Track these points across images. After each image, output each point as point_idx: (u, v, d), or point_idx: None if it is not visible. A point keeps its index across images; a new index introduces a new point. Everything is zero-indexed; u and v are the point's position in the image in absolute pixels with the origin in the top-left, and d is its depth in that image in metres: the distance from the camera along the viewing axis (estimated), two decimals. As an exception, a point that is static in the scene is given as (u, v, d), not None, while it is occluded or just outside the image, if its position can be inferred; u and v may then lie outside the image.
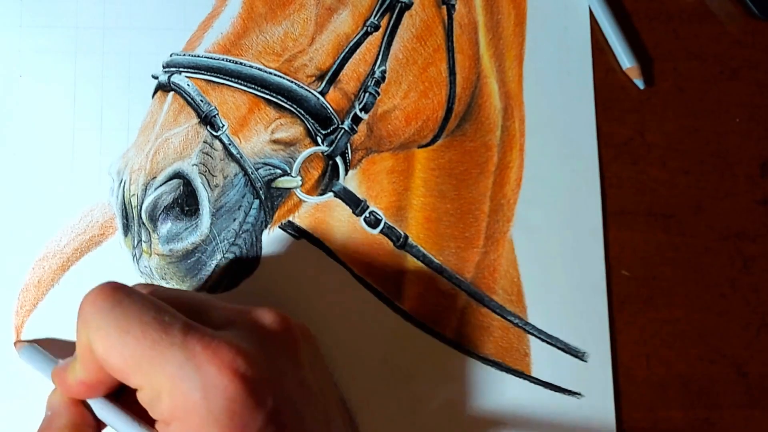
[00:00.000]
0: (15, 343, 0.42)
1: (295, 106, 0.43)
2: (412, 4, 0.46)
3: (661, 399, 0.44)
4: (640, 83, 0.47)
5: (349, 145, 0.44)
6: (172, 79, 0.43)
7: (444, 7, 0.46)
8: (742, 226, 0.47)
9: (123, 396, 0.35)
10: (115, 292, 0.32)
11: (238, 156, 0.43)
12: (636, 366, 0.44)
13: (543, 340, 0.44)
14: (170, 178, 0.42)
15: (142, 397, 0.31)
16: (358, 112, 0.44)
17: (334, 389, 0.40)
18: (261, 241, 0.43)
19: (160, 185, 0.42)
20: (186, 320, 0.31)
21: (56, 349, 0.41)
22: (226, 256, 0.42)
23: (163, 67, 0.44)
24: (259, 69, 0.44)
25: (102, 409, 0.35)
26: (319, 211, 0.44)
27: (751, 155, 0.47)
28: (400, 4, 0.46)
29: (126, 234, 0.43)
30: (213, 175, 0.42)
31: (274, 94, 0.43)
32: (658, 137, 0.47)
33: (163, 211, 0.42)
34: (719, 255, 0.46)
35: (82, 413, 0.34)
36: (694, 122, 0.48)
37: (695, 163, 0.47)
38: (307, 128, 0.44)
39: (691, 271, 0.46)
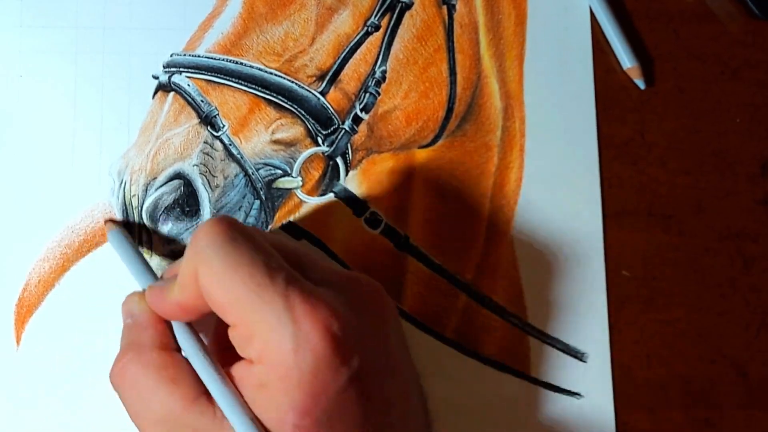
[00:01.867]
0: (105, 222, 0.42)
1: (295, 107, 0.44)
2: (412, 4, 0.46)
3: (661, 399, 0.44)
4: (640, 83, 0.47)
5: (349, 145, 0.44)
6: (172, 79, 0.43)
7: (444, 7, 0.46)
8: (742, 226, 0.47)
9: (210, 324, 0.35)
10: (231, 228, 0.32)
11: (238, 156, 0.43)
12: (636, 366, 0.44)
13: (543, 341, 0.44)
14: (171, 179, 0.42)
15: (234, 335, 0.32)
16: (359, 113, 0.44)
17: (413, 367, 0.40)
18: (261, 241, 0.43)
19: (161, 186, 0.42)
20: (290, 270, 0.32)
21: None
22: (226, 256, 0.42)
23: (164, 67, 0.44)
24: (260, 69, 0.44)
25: (183, 336, 0.35)
26: (319, 212, 0.45)
27: (751, 155, 0.47)
28: (400, 4, 0.46)
29: (126, 234, 0.43)
30: (213, 176, 0.42)
31: (275, 95, 0.43)
32: (659, 137, 0.47)
33: (163, 211, 0.42)
34: (719, 255, 0.46)
35: (165, 331, 0.35)
36: (695, 122, 0.47)
37: (695, 163, 0.47)
38: (308, 128, 0.44)
39: (691, 271, 0.46)
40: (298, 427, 0.30)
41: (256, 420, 0.31)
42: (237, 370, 0.33)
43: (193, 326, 0.35)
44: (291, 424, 0.30)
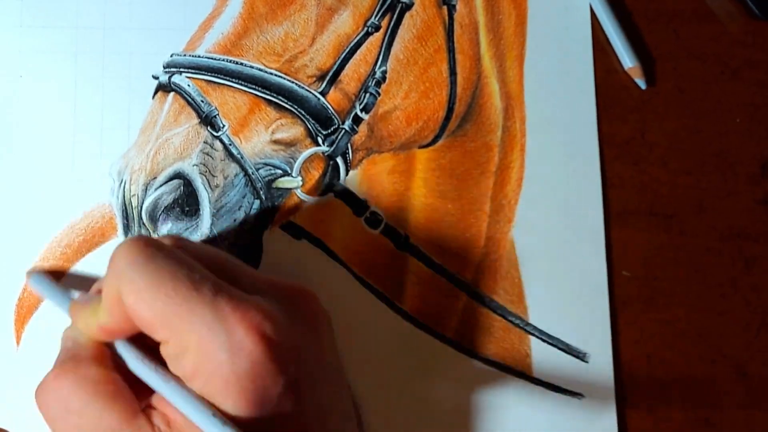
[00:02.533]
0: (27, 273, 0.42)
1: (295, 107, 0.43)
2: (412, 4, 0.46)
3: (661, 399, 0.44)
4: (641, 83, 0.47)
5: (349, 145, 0.44)
6: (172, 79, 0.43)
7: (445, 7, 0.46)
8: (743, 226, 0.46)
9: (140, 342, 0.34)
10: (148, 246, 0.32)
11: (238, 156, 0.43)
12: (636, 366, 0.44)
13: (544, 341, 0.44)
14: (171, 179, 0.42)
15: (166, 352, 0.31)
16: (359, 113, 0.44)
17: (344, 377, 0.40)
18: (261, 241, 0.43)
19: (161, 185, 0.42)
20: (216, 280, 0.32)
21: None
22: (226, 256, 0.42)
23: (164, 68, 0.44)
24: (260, 69, 0.44)
25: (125, 347, 0.34)
26: (319, 212, 0.44)
27: (752, 155, 0.47)
28: (400, 5, 0.46)
29: (126, 234, 0.43)
30: (213, 176, 0.42)
31: (275, 95, 0.43)
32: (659, 137, 0.47)
33: (163, 211, 0.42)
34: (720, 255, 0.46)
35: (104, 350, 0.34)
36: (695, 122, 0.47)
37: (696, 163, 0.47)
38: (308, 128, 0.44)
39: (692, 271, 0.46)
40: None
41: (220, 413, 0.30)
42: None
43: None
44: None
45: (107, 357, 0.33)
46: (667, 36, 0.48)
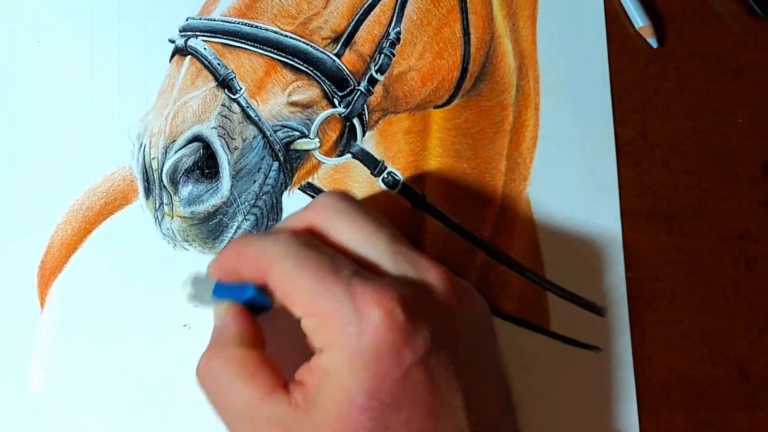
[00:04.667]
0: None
1: (311, 69, 0.44)
2: (425, -35, 0.46)
3: (662, 401, 0.44)
4: (653, 42, 0.48)
5: (365, 106, 0.45)
6: (188, 43, 0.44)
7: (457, -33, 0.47)
8: (744, 227, 0.46)
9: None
10: (302, 235, 0.35)
11: (256, 119, 0.43)
12: (638, 368, 0.44)
13: (561, 296, 0.45)
14: (190, 141, 0.42)
15: (306, 325, 0.34)
16: (374, 74, 0.45)
17: (503, 371, 0.40)
18: (281, 202, 0.44)
19: (180, 148, 0.42)
20: (356, 267, 0.34)
21: None
22: (247, 217, 0.43)
23: (180, 32, 0.44)
24: (275, 32, 0.44)
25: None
26: (337, 173, 0.45)
27: (753, 156, 0.47)
28: (413, -35, 0.46)
29: (147, 197, 0.43)
30: (232, 138, 0.43)
31: (290, 57, 0.44)
32: (660, 138, 0.47)
33: (183, 173, 0.42)
34: (722, 256, 0.46)
35: (249, 329, 0.36)
36: (697, 123, 0.47)
37: (697, 163, 0.47)
38: (324, 90, 0.44)
39: (693, 272, 0.46)
40: (365, 408, 0.31)
41: None
42: (312, 361, 0.34)
43: None
44: (359, 405, 0.31)
45: (248, 336, 0.35)
46: (669, 36, 0.48)
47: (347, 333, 0.32)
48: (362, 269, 0.34)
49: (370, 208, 0.37)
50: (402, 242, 0.36)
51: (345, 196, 0.37)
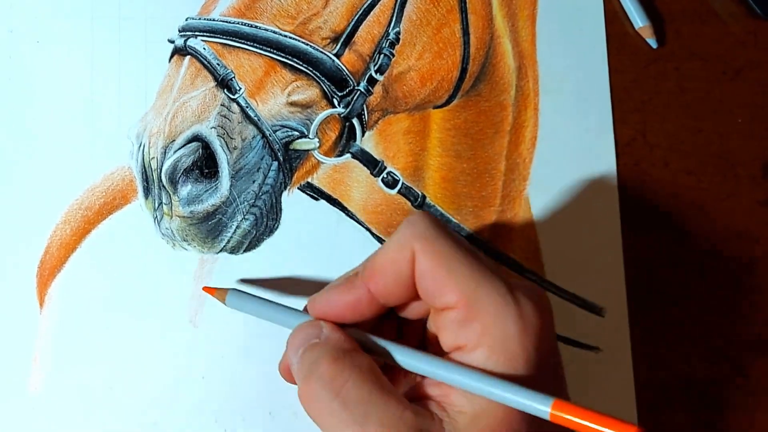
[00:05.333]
0: (206, 289, 0.41)
1: (311, 69, 0.44)
2: (425, -35, 0.46)
3: (662, 401, 0.44)
4: (653, 42, 0.48)
5: (365, 106, 0.45)
6: (188, 43, 0.44)
7: (456, -32, 0.47)
8: (744, 226, 0.46)
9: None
10: (441, 222, 0.33)
11: (255, 118, 0.43)
12: (638, 368, 0.44)
13: (561, 297, 0.45)
14: (189, 141, 0.42)
15: (451, 317, 0.32)
16: (374, 74, 0.45)
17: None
18: (281, 202, 0.44)
19: (179, 148, 0.42)
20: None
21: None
22: (246, 217, 0.43)
23: (179, 32, 0.44)
24: (274, 32, 0.44)
25: (373, 337, 0.34)
26: (337, 173, 0.45)
27: (753, 156, 0.47)
28: (413, -34, 0.46)
29: (147, 197, 0.43)
30: (231, 138, 0.43)
31: (290, 57, 0.44)
32: (660, 138, 0.47)
33: (182, 173, 0.42)
34: (722, 256, 0.46)
35: (350, 339, 0.33)
36: (697, 123, 0.47)
37: (697, 163, 0.47)
38: (324, 90, 0.44)
39: (693, 272, 0.46)
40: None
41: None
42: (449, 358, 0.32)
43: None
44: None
45: (362, 349, 0.33)
46: (669, 36, 0.48)
47: (509, 330, 0.30)
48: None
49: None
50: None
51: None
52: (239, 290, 0.40)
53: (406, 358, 0.33)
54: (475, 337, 0.31)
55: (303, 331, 0.34)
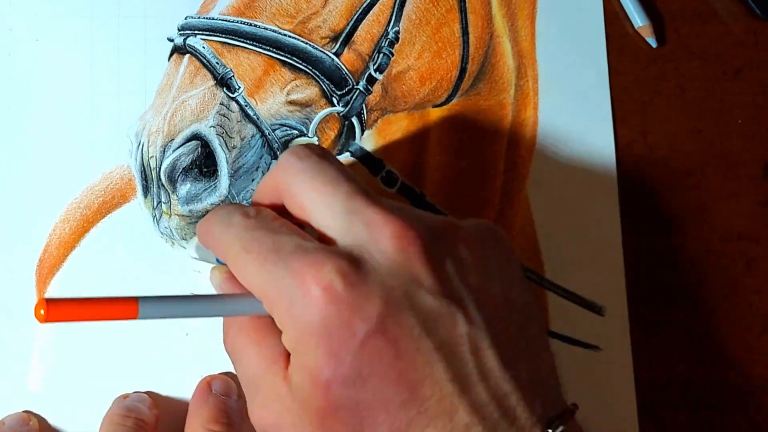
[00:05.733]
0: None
1: (310, 68, 0.44)
2: (424, -36, 0.46)
3: (662, 401, 0.44)
4: (652, 42, 0.48)
5: (364, 105, 0.45)
6: (187, 41, 0.44)
7: (456, -33, 0.47)
8: (744, 227, 0.46)
9: None
10: (248, 217, 0.34)
11: (254, 117, 0.43)
12: (637, 368, 0.44)
13: (561, 296, 0.45)
14: (188, 140, 0.42)
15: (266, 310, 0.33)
16: (373, 73, 0.45)
17: (539, 342, 0.35)
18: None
19: (178, 147, 0.42)
20: (298, 240, 0.32)
21: None
22: (245, 216, 0.43)
23: (179, 30, 0.44)
24: (274, 31, 0.44)
25: None
26: (336, 171, 0.45)
27: (753, 156, 0.47)
28: (412, -35, 0.46)
29: (146, 195, 0.43)
30: (230, 137, 0.43)
31: (289, 56, 0.44)
32: (660, 138, 0.47)
33: (181, 172, 0.42)
34: (722, 257, 0.46)
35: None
36: (697, 123, 0.47)
37: (698, 164, 0.47)
38: (323, 89, 0.44)
39: (693, 273, 0.46)
40: (329, 385, 0.29)
41: None
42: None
43: None
44: (323, 383, 0.29)
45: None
46: (669, 36, 0.48)
47: (293, 313, 0.30)
48: (306, 241, 0.32)
49: (336, 161, 0.34)
50: (359, 198, 0.32)
51: (308, 152, 0.34)
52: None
53: None
54: (279, 323, 0.32)
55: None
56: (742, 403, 0.45)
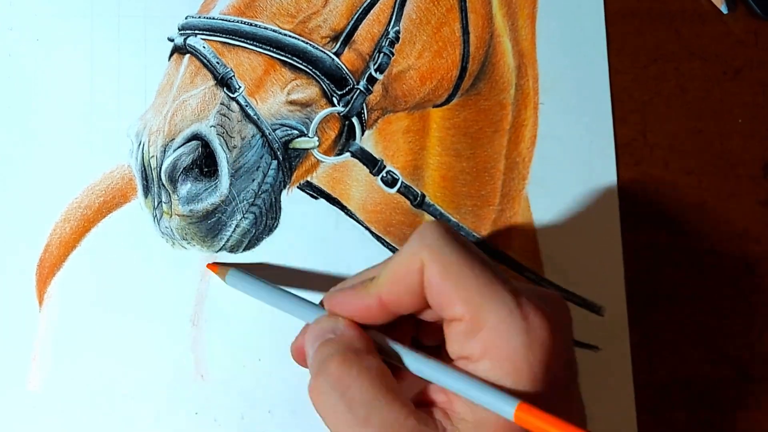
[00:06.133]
0: (209, 266, 0.42)
1: (310, 67, 0.44)
2: (424, -36, 0.46)
3: (663, 401, 0.44)
4: (724, 8, 0.47)
5: (364, 105, 0.45)
6: (187, 41, 0.44)
7: (456, -33, 0.47)
8: (745, 227, 0.46)
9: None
10: (454, 230, 0.33)
11: (255, 117, 0.43)
12: (638, 368, 0.44)
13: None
14: (188, 140, 0.42)
15: (456, 330, 0.32)
16: (373, 73, 0.45)
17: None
18: (280, 201, 0.44)
19: (179, 147, 0.42)
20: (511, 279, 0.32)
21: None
22: (245, 216, 0.43)
23: (179, 30, 0.44)
24: (274, 30, 0.44)
25: (395, 344, 0.34)
26: (336, 171, 0.45)
27: (753, 156, 0.47)
28: (412, -36, 0.46)
29: (146, 195, 0.43)
30: (231, 137, 0.42)
31: (290, 56, 0.44)
32: (661, 138, 0.47)
33: (182, 172, 0.42)
34: (722, 256, 0.46)
35: (371, 342, 0.34)
36: (697, 123, 0.47)
37: (698, 163, 0.47)
38: (323, 89, 0.44)
39: (693, 272, 0.46)
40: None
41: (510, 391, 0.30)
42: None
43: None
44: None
45: (376, 350, 0.33)
46: (669, 35, 0.48)
47: (514, 343, 0.30)
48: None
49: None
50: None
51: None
52: (241, 270, 0.40)
53: (413, 362, 0.33)
54: (479, 350, 0.31)
55: (320, 324, 0.35)
56: (743, 402, 0.45)
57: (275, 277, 0.43)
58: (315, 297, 0.39)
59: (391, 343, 0.34)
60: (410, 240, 0.33)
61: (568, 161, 0.46)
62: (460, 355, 0.32)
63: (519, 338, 0.30)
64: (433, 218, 0.45)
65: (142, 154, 0.43)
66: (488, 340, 0.31)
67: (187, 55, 0.44)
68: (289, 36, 0.44)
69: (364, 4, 0.45)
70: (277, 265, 0.44)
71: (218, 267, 0.42)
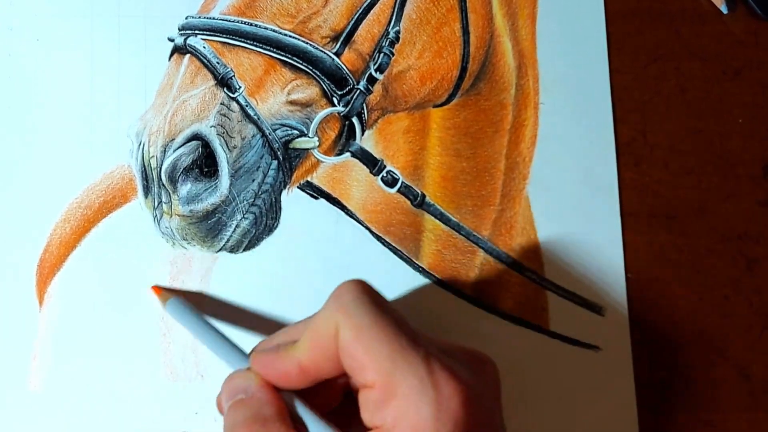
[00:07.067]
0: (153, 288, 0.42)
1: (310, 67, 0.44)
2: (425, -36, 0.46)
3: (663, 401, 0.44)
4: (724, 8, 0.47)
5: (365, 105, 0.45)
6: (188, 41, 0.43)
7: (456, -33, 0.47)
8: (745, 227, 0.46)
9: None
10: (373, 291, 0.32)
11: (255, 117, 0.43)
12: (638, 367, 0.44)
13: (560, 295, 0.45)
14: (189, 140, 0.42)
15: (368, 397, 0.31)
16: (373, 73, 0.45)
17: None
18: (280, 201, 0.44)
19: (179, 147, 0.42)
20: (430, 343, 0.31)
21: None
22: (246, 216, 0.43)
23: (179, 30, 0.44)
24: (274, 31, 0.44)
25: (303, 408, 0.33)
26: (337, 171, 0.45)
27: (753, 156, 0.47)
28: (412, -35, 0.46)
29: (146, 195, 0.43)
30: (231, 137, 0.42)
31: (290, 56, 0.44)
32: (661, 138, 0.47)
33: (182, 172, 0.42)
34: (722, 256, 0.46)
35: (285, 407, 0.33)
36: (697, 123, 0.47)
37: (698, 163, 0.47)
38: (323, 89, 0.44)
39: (693, 272, 0.46)
40: None
41: None
42: None
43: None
44: None
45: (287, 415, 0.33)
46: (669, 36, 0.48)
47: (423, 413, 0.29)
48: (436, 346, 0.31)
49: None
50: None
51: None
52: (182, 301, 0.40)
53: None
54: (390, 420, 0.30)
55: (234, 381, 0.35)
56: (743, 402, 0.45)
57: (223, 314, 0.43)
58: (257, 339, 0.39)
59: (301, 410, 0.33)
60: (328, 301, 0.32)
61: (568, 161, 0.46)
62: (372, 424, 0.31)
63: (428, 409, 0.29)
64: (433, 218, 0.45)
65: (143, 154, 0.43)
66: (399, 410, 0.30)
67: (188, 55, 0.43)
68: (290, 36, 0.44)
69: (364, 4, 0.45)
70: (229, 302, 0.43)
71: (161, 291, 0.42)
